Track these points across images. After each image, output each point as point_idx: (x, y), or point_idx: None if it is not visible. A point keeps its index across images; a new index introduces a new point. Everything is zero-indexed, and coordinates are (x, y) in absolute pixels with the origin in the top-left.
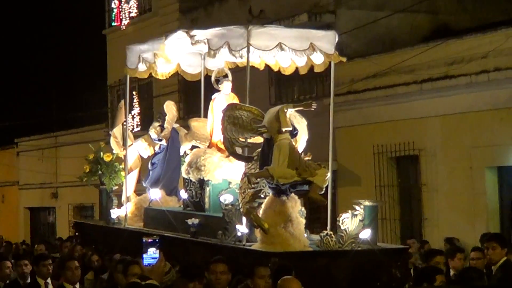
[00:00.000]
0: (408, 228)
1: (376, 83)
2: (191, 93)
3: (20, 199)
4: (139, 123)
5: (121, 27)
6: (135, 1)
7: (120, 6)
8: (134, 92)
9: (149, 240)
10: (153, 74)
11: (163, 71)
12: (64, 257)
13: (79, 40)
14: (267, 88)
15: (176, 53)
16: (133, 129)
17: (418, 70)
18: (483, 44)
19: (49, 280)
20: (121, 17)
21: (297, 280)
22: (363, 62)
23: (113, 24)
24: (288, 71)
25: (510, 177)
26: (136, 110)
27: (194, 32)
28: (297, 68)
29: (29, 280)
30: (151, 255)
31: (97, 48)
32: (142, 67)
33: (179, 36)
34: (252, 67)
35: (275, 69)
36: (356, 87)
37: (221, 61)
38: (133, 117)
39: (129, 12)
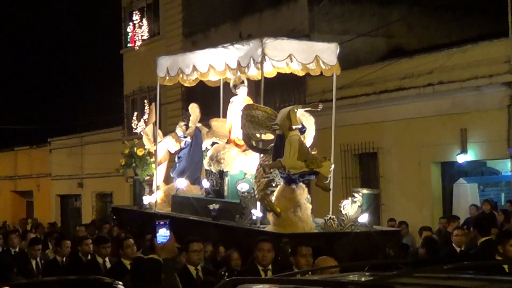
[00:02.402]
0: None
1: (342, 94)
2: (192, 101)
3: (52, 188)
4: None
5: (135, 47)
6: (147, 27)
7: (134, 31)
8: (145, 101)
9: (161, 223)
10: (181, 82)
11: (190, 79)
12: (121, 238)
13: (101, 58)
14: (254, 96)
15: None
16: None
17: (376, 83)
18: (429, 62)
19: (106, 258)
20: (135, 40)
21: (332, 259)
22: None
23: (128, 45)
24: (286, 70)
25: (451, 170)
26: (147, 115)
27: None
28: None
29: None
30: (163, 234)
31: (115, 64)
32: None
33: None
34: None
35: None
36: (327, 97)
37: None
38: (144, 121)
39: (142, 36)
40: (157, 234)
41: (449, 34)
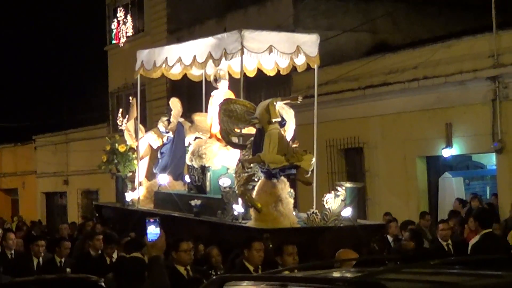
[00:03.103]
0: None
1: (328, 89)
2: (177, 97)
3: (37, 186)
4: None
5: (120, 44)
6: (131, 23)
7: (118, 27)
8: (130, 97)
9: (151, 220)
10: (165, 75)
11: (174, 72)
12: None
13: (86, 55)
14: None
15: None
16: None
17: (361, 78)
18: (414, 57)
19: (114, 255)
20: (119, 36)
21: (353, 251)
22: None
23: (113, 42)
24: (271, 73)
25: (436, 164)
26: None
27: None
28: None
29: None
30: (153, 232)
31: (100, 61)
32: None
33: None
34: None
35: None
36: (312, 93)
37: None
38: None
39: (126, 32)
40: (147, 232)
41: (433, 29)
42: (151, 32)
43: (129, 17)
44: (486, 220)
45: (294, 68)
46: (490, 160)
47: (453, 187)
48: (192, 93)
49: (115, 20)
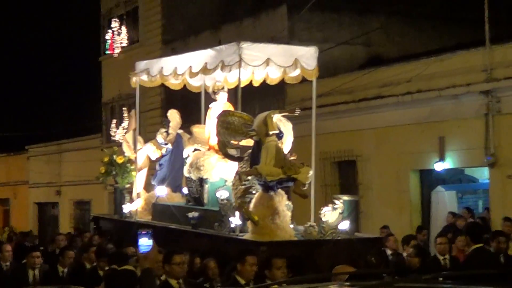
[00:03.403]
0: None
1: (322, 102)
2: (172, 108)
3: (29, 196)
4: None
5: (114, 55)
6: (126, 34)
7: (113, 38)
8: (124, 108)
9: (143, 232)
10: (166, 84)
11: (174, 82)
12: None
13: (80, 66)
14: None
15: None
16: (122, 139)
17: (355, 91)
18: (408, 71)
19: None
20: (114, 47)
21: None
22: (311, 84)
23: (107, 52)
24: (257, 83)
25: (429, 178)
26: (126, 123)
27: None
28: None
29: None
30: (145, 244)
31: (94, 72)
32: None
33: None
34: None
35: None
36: (306, 105)
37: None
38: (123, 129)
39: (121, 43)
40: (139, 244)
41: (427, 43)
42: (145, 43)
43: (123, 28)
44: (477, 235)
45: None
46: (483, 174)
47: (445, 201)
48: (187, 105)
49: (110, 30)
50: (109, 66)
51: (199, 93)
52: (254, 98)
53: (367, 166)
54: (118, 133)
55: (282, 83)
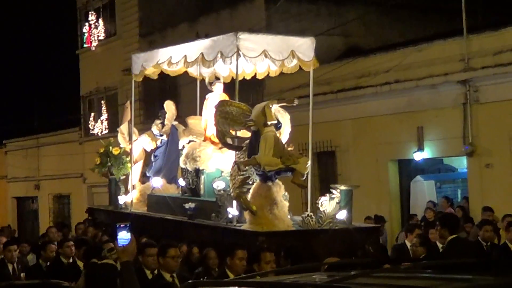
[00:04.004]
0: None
1: (300, 93)
2: (149, 101)
3: (8, 190)
4: (106, 126)
5: (91, 48)
6: (103, 27)
7: (90, 31)
8: (102, 101)
9: (122, 225)
10: (165, 72)
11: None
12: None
13: (57, 59)
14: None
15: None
16: (101, 132)
17: (333, 82)
18: (385, 61)
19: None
20: (91, 40)
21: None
22: (289, 75)
23: (85, 45)
24: (260, 76)
25: (408, 168)
26: (104, 116)
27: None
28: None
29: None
30: (124, 237)
31: (71, 65)
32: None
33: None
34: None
35: (251, 76)
36: (285, 96)
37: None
38: (101, 122)
39: (98, 36)
40: (118, 237)
41: (405, 33)
42: (123, 36)
43: (100, 21)
44: (452, 226)
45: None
46: (461, 163)
47: (424, 191)
48: (164, 97)
49: (87, 23)
50: (86, 59)
51: (177, 86)
52: (233, 90)
53: (346, 157)
54: (96, 127)
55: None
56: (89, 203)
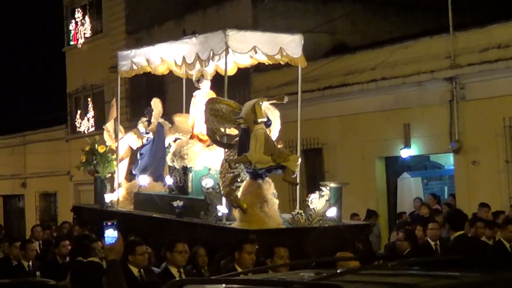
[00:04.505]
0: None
1: (287, 90)
2: (136, 99)
3: None
4: (93, 124)
5: (78, 45)
6: (89, 24)
7: (76, 28)
8: (89, 99)
9: (109, 223)
10: (150, 71)
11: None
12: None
13: (43, 56)
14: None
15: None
16: (88, 129)
17: (320, 79)
18: (372, 58)
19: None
20: (77, 37)
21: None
22: (276, 73)
23: (71, 43)
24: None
25: (395, 165)
26: (91, 113)
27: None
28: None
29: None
30: (111, 235)
31: (58, 62)
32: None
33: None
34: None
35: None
36: (271, 93)
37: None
38: (88, 120)
39: (84, 33)
40: (105, 235)
41: (391, 31)
42: (109, 33)
43: (87, 18)
44: (457, 223)
45: (254, 69)
46: (448, 160)
47: (411, 187)
48: (151, 95)
49: (73, 21)
50: (73, 56)
51: (163, 84)
52: (220, 87)
53: (333, 154)
54: (83, 124)
55: (247, 72)
56: (76, 201)
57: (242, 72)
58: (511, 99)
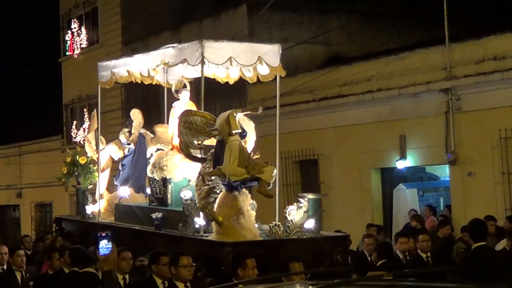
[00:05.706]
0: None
1: (282, 101)
2: (132, 109)
3: None
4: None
5: (74, 56)
6: (85, 35)
7: (73, 39)
8: (84, 109)
9: (103, 234)
10: (134, 81)
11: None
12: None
13: (39, 67)
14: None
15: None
16: (83, 140)
17: (316, 90)
18: (368, 70)
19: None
20: (73, 48)
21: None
22: (272, 84)
23: (67, 53)
24: (232, 81)
25: (391, 176)
26: (87, 124)
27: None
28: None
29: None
30: (105, 246)
31: (54, 73)
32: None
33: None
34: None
35: (225, 80)
36: (267, 104)
37: (180, 74)
38: (84, 130)
39: (80, 44)
40: (99, 246)
41: (387, 42)
42: (105, 44)
43: (83, 29)
44: (479, 233)
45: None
46: (444, 172)
47: (407, 199)
48: (148, 105)
49: (69, 31)
50: (69, 67)
51: (160, 93)
52: (215, 98)
53: (328, 165)
54: (79, 135)
55: (243, 82)
56: (71, 211)
57: (238, 83)
58: (507, 110)
